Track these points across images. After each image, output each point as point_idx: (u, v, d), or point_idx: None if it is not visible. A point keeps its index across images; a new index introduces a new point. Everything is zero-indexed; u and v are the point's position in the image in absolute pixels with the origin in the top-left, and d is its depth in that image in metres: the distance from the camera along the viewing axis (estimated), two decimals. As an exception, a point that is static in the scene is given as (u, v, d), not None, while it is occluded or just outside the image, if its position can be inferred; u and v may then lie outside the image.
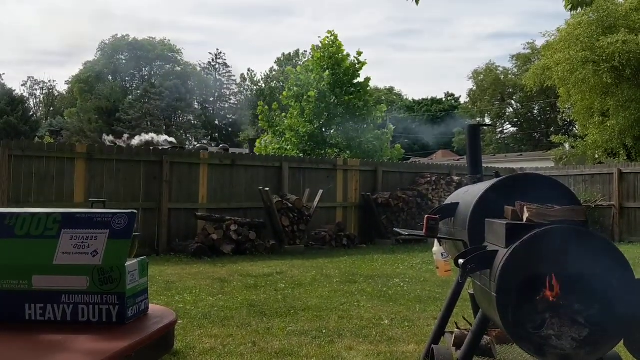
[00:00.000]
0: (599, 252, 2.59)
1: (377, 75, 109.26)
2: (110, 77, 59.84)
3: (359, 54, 19.42)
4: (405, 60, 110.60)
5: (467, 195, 3.64)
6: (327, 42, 19.04)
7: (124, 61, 60.06)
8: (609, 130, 25.55)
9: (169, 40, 63.58)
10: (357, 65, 19.11)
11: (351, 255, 11.11)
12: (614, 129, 25.10)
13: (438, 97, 64.32)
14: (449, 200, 4.24)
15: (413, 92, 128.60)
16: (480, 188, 3.38)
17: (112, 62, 58.94)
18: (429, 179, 14.72)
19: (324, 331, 5.12)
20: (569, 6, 7.22)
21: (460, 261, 2.87)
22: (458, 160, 34.97)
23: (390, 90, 69.65)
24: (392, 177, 14.71)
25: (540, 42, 36.03)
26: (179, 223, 11.30)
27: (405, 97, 69.57)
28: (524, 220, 2.76)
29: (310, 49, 20.29)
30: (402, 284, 7.77)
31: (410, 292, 7.15)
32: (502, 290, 2.58)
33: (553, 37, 29.00)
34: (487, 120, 54.29)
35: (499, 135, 52.94)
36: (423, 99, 65.17)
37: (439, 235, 3.50)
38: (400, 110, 61.69)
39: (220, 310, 5.96)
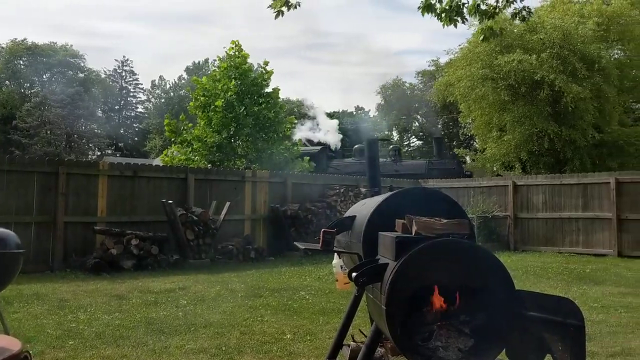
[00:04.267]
0: (482, 264, 2.67)
1: (290, 86, 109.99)
2: (7, 83, 56.31)
3: (266, 63, 19.41)
4: (318, 73, 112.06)
5: (363, 208, 3.67)
6: (231, 53, 18.88)
7: (22, 66, 56.70)
8: (506, 144, 27.02)
9: (72, 46, 60.80)
10: (264, 76, 19.06)
11: (258, 269, 10.98)
12: (510, 144, 26.57)
13: (349, 110, 65.57)
14: (348, 213, 4.27)
15: (325, 104, 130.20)
16: (375, 202, 3.41)
17: (9, 67, 55.48)
18: (337, 190, 14.90)
19: (223, 348, 4.99)
20: (481, 37, 7.62)
21: (353, 274, 2.88)
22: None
23: (302, 102, 70.15)
24: (301, 189, 14.75)
25: (444, 60, 37.65)
26: (75, 237, 10.73)
27: (316, 109, 70.24)
28: (413, 233, 2.81)
29: (216, 59, 20.08)
30: (307, 297, 7.75)
31: (315, 305, 7.14)
32: (391, 303, 2.60)
33: (455, 55, 30.33)
34: (395, 134, 56.02)
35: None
36: (334, 112, 66.16)
37: (335, 249, 3.51)
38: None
39: (116, 329, 5.68)
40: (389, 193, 3.38)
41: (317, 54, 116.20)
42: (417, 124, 55.44)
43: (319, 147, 22.82)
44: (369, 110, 65.29)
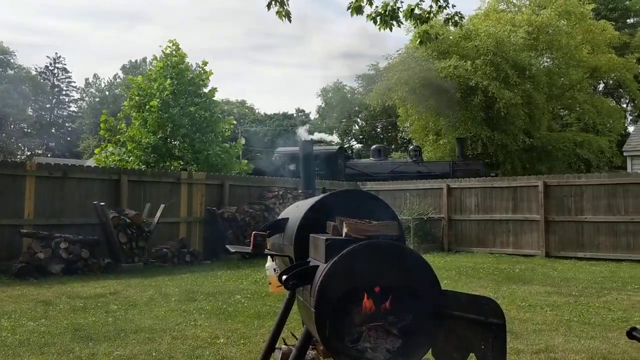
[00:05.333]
0: (410, 266, 2.70)
1: (231, 87, 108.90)
2: None
3: (204, 63, 19.13)
4: (260, 74, 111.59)
5: (296, 210, 3.66)
6: (168, 52, 18.50)
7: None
8: (442, 148, 27.76)
9: (1, 42, 58.09)
10: (202, 76, 18.78)
11: (194, 272, 10.79)
12: (445, 147, 27.29)
13: (289, 112, 65.61)
14: (281, 215, 4.24)
15: (265, 106, 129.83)
16: (307, 204, 3.41)
17: None
18: (276, 192, 14.85)
19: (154, 354, 4.87)
20: (418, 41, 7.79)
21: (283, 277, 2.86)
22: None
23: (242, 103, 69.69)
24: (239, 191, 14.62)
25: (383, 64, 38.22)
26: (1, 241, 10.24)
27: (257, 111, 70.03)
28: (343, 235, 2.81)
29: (152, 58, 19.65)
30: (243, 300, 7.68)
31: (250, 308, 7.08)
32: (320, 305, 2.59)
33: (394, 60, 30.81)
34: (335, 137, 56.43)
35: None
36: (275, 114, 66.07)
37: (267, 251, 3.48)
38: (251, 124, 61.94)
39: (41, 336, 5.46)
40: (322, 195, 3.37)
41: (260, 55, 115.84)
42: (357, 127, 56.04)
43: (336, 147, 22.49)
44: (310, 112, 65.58)
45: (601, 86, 36.88)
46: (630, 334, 3.10)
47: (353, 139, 57.46)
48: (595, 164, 28.43)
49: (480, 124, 26.73)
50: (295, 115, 64.57)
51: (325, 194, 3.40)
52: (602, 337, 5.53)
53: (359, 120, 55.10)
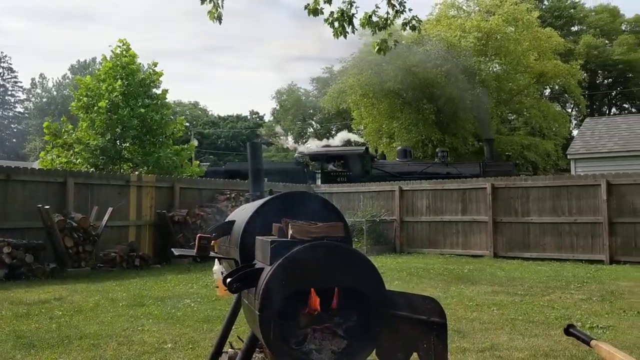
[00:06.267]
0: (355, 266, 2.71)
1: (185, 89, 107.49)
2: None
3: (155, 64, 18.80)
4: (213, 76, 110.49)
5: (242, 213, 3.63)
6: (118, 52, 18.10)
7: None
8: (395, 150, 28.11)
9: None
10: (153, 77, 18.45)
11: (143, 277, 10.57)
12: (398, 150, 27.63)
13: (243, 115, 65.19)
14: (229, 218, 4.20)
15: (219, 108, 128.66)
16: (254, 206, 3.38)
17: None
18: (228, 195, 14.71)
19: (98, 361, 4.75)
20: (376, 48, 7.84)
21: (228, 280, 2.82)
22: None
23: (195, 105, 68.85)
24: (190, 194, 14.42)
25: (337, 67, 38.44)
26: (-63, 247, 9.80)
27: (210, 113, 69.32)
28: (289, 237, 2.80)
29: (102, 58, 19.15)
30: (192, 305, 7.57)
31: (200, 312, 6.98)
32: (264, 308, 2.57)
33: (348, 63, 31.03)
34: (290, 139, 56.37)
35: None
36: (228, 115, 65.55)
37: (212, 254, 3.43)
38: (205, 126, 61.25)
39: (-21, 346, 5.23)
40: (268, 197, 3.36)
41: (214, 56, 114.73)
42: (312, 129, 56.15)
43: (363, 148, 22.16)
44: (264, 114, 65.34)
45: (547, 91, 38.09)
46: (567, 331, 3.20)
47: (307, 142, 57.53)
48: (542, 166, 29.35)
49: (431, 127, 27.21)
50: (249, 117, 64.21)
51: (271, 196, 3.38)
52: (545, 335, 5.69)
53: (313, 122, 55.22)
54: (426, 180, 16.60)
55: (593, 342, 3.02)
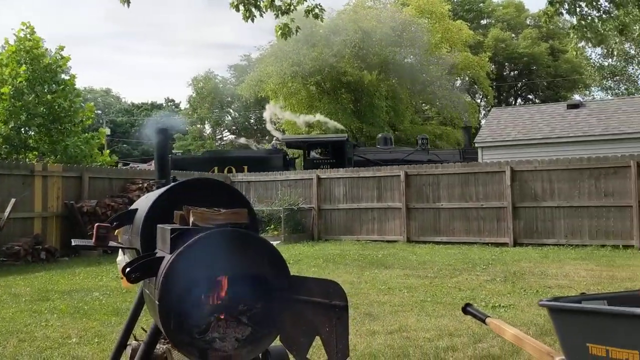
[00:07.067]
0: (259, 253, 2.70)
1: (96, 76, 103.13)
2: None
3: (61, 48, 17.86)
4: (126, 63, 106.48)
5: (145, 200, 3.52)
6: (22, 35, 17.05)
7: None
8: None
9: None
10: (60, 62, 17.54)
11: (49, 270, 10.10)
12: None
13: (158, 102, 63.36)
14: (133, 206, 4.07)
15: (133, 95, 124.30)
16: (156, 194, 3.29)
17: None
18: (140, 185, 14.28)
19: (-6, 360, 4.49)
20: (279, 32, 7.79)
21: (127, 270, 2.74)
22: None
23: (107, 92, 66.19)
24: (100, 184, 13.88)
25: (255, 55, 38.08)
26: None
27: (124, 100, 66.89)
28: (190, 224, 2.75)
29: (4, 42, 17.98)
30: (101, 298, 7.31)
31: (108, 306, 6.76)
32: (164, 297, 2.51)
33: (266, 51, 30.81)
34: (207, 128, 55.42)
35: (218, 142, 54.40)
36: (143, 103, 63.51)
37: (111, 244, 3.32)
38: (118, 114, 59.08)
39: None
40: (170, 184, 3.27)
41: (127, 43, 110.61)
42: (230, 118, 55.43)
43: (344, 136, 21.50)
44: (180, 102, 63.78)
45: (458, 82, 39.52)
46: (465, 310, 3.34)
47: (226, 130, 56.80)
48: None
49: (350, 116, 27.56)
50: (164, 105, 62.49)
51: (174, 183, 3.30)
52: (451, 315, 5.93)
53: (231, 111, 54.51)
54: (343, 169, 16.81)
55: (488, 320, 3.18)
